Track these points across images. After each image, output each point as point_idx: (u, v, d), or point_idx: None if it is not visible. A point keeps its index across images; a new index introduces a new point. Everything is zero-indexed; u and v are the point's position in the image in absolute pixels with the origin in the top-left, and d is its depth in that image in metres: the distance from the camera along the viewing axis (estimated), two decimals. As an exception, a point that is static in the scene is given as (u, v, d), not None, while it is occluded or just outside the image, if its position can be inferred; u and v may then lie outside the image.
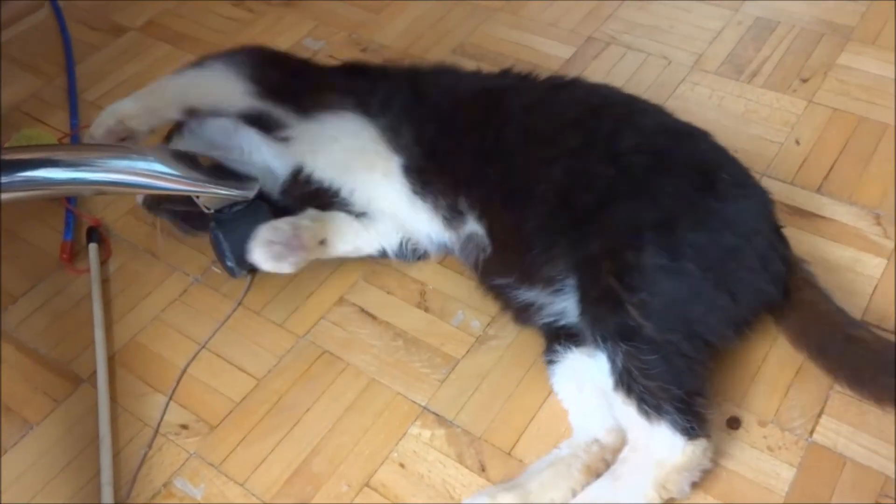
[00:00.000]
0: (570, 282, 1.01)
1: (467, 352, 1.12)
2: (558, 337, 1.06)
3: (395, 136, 1.14)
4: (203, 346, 1.16)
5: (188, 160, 1.14)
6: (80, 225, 1.33)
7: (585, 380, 1.02)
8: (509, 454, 1.02)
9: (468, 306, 1.17)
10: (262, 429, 1.07)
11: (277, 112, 1.15)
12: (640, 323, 0.93)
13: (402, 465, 1.02)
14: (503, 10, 1.67)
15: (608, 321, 0.95)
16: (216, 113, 1.18)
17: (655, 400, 0.92)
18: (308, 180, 1.17)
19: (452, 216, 1.13)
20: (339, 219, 1.19)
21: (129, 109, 1.14)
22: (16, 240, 1.32)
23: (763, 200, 1.07)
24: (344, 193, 1.17)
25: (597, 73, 1.50)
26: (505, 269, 1.09)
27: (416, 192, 1.14)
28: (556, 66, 1.51)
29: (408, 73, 1.23)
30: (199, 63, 1.20)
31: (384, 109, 1.16)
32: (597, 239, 0.99)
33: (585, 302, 0.99)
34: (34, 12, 1.77)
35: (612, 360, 0.94)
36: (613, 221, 0.99)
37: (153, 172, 1.10)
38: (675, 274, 0.96)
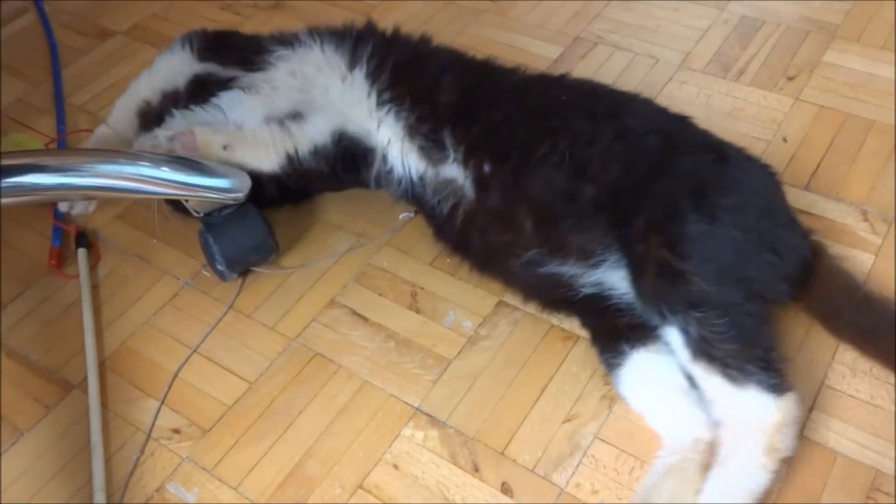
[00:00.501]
0: (612, 256, 1.02)
1: (459, 352, 1.12)
2: (622, 334, 1.03)
3: (352, 54, 1.22)
4: (194, 350, 1.16)
5: (178, 164, 1.14)
6: (68, 230, 1.32)
7: (656, 381, 1.00)
8: (502, 454, 1.02)
9: (460, 307, 1.17)
10: (254, 432, 1.06)
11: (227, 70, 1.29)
12: (704, 289, 0.94)
13: (395, 467, 1.02)
14: (490, 12, 1.68)
15: (674, 293, 0.96)
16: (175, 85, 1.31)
17: (738, 362, 0.92)
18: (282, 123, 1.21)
19: (432, 147, 1.13)
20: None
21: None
22: (3, 246, 1.32)
23: (770, 171, 1.10)
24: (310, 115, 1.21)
25: (585, 72, 1.50)
26: (503, 227, 1.09)
27: (381, 104, 1.17)
28: (545, 67, 1.52)
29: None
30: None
31: (340, 42, 1.25)
32: (637, 216, 1.00)
33: (643, 280, 0.99)
34: (20, 17, 1.77)
35: (686, 332, 0.95)
36: (648, 197, 1.00)
37: (141, 177, 1.10)
38: (718, 238, 0.98)
